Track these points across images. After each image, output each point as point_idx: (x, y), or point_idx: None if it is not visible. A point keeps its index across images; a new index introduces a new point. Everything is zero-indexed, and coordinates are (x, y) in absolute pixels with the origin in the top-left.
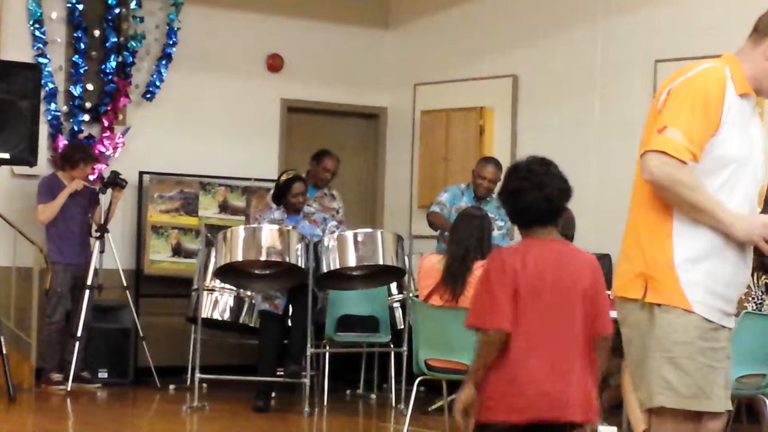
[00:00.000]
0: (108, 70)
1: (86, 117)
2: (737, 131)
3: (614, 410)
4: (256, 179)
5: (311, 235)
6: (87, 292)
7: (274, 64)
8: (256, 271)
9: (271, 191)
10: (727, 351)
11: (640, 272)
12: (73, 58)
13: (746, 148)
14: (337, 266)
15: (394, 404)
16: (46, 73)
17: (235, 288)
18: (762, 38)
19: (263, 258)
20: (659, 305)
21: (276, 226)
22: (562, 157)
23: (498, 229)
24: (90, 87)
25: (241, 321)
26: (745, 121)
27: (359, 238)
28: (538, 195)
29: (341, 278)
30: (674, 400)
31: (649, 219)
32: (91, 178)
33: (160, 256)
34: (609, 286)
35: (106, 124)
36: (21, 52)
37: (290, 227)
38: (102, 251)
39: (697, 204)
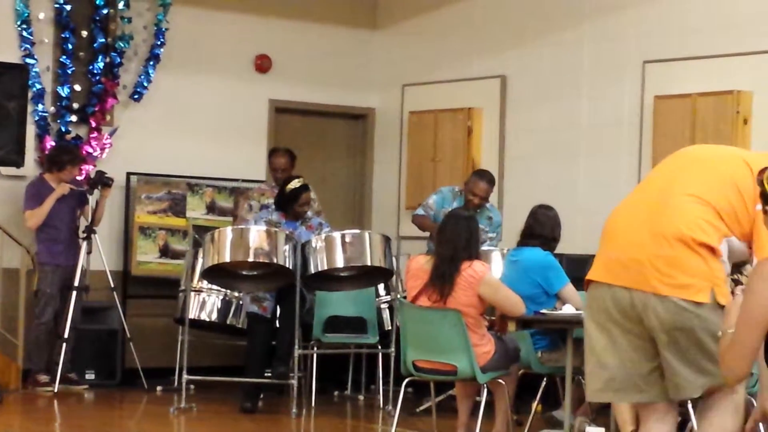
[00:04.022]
0: (95, 71)
1: (74, 118)
2: None
3: (603, 411)
4: (243, 180)
5: (308, 241)
6: (74, 293)
7: (262, 64)
8: (244, 272)
9: (259, 186)
10: None
11: (708, 280)
12: (61, 59)
13: None
14: (325, 267)
15: (381, 405)
16: (33, 73)
17: (222, 289)
18: None
19: (251, 259)
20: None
21: (264, 227)
22: (551, 157)
23: (490, 240)
24: (77, 88)
25: (228, 322)
26: None
27: (347, 239)
28: None
29: (329, 279)
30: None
31: (706, 241)
32: (79, 178)
33: (147, 257)
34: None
35: (93, 124)
36: (8, 53)
37: (288, 231)
38: (89, 252)
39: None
